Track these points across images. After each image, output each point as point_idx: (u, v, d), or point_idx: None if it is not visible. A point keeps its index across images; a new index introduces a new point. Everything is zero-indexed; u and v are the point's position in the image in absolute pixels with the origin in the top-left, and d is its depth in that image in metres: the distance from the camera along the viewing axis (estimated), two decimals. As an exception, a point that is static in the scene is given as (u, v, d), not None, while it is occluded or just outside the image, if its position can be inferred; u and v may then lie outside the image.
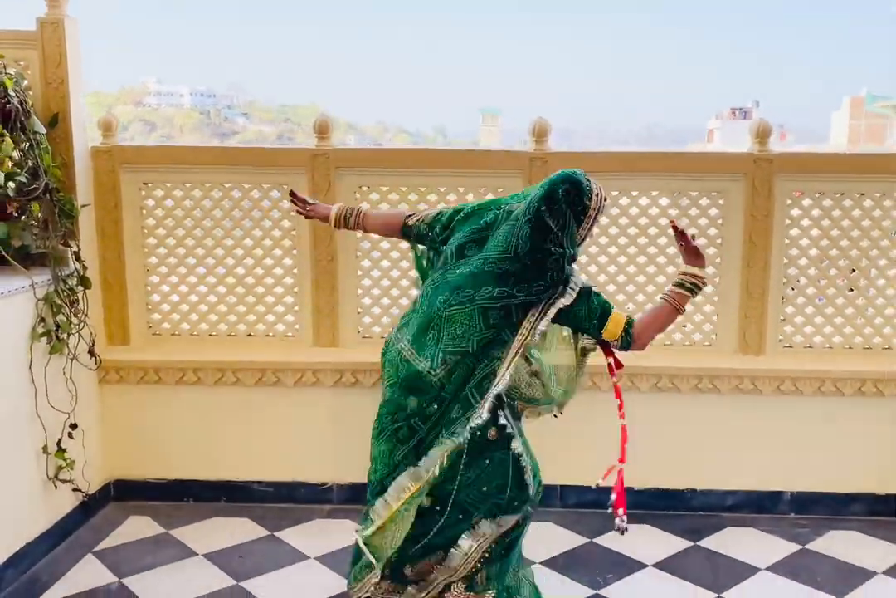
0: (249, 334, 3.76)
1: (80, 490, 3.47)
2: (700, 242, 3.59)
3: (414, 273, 3.60)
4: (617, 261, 3.63)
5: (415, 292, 3.68)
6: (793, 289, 3.64)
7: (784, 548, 3.37)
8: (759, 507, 3.64)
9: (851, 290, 3.64)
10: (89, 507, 3.58)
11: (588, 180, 2.43)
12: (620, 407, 2.66)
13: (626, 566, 3.23)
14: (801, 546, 3.39)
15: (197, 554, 3.31)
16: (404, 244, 3.64)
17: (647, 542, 3.42)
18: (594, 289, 2.57)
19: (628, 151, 3.73)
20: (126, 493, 3.76)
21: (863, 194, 3.56)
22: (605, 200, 2.48)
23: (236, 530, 3.52)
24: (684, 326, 3.67)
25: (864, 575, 3.16)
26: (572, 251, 2.46)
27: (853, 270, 3.63)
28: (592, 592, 3.05)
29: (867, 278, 3.62)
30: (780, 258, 3.58)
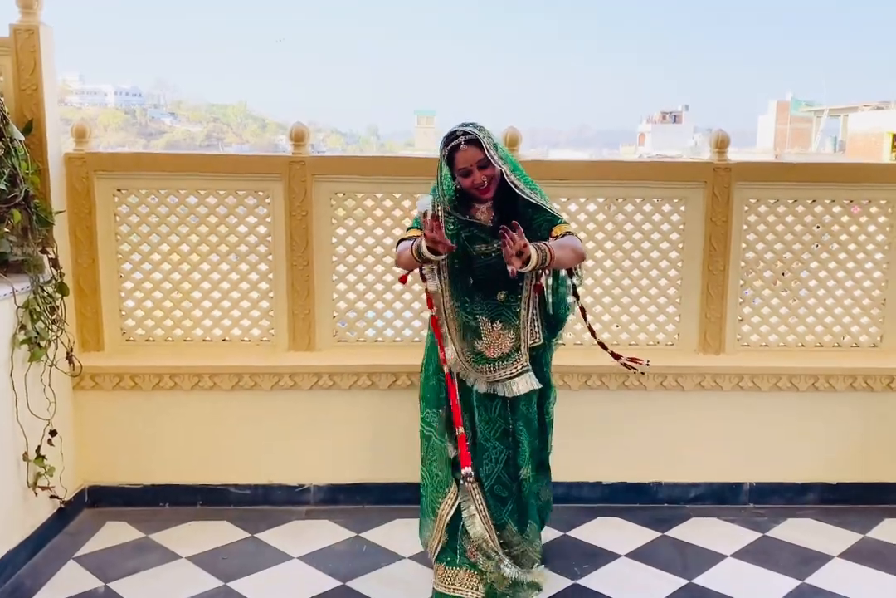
0: (225, 339, 3.80)
1: (57, 497, 3.47)
2: (663, 246, 3.77)
3: (390, 277, 3.72)
4: (584, 265, 3.76)
5: (390, 296, 3.79)
6: (749, 291, 3.84)
7: (746, 536, 3.55)
8: (720, 498, 3.83)
9: (799, 291, 3.85)
10: (66, 514, 3.57)
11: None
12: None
13: (600, 556, 3.37)
14: (761, 534, 3.57)
15: (180, 557, 3.34)
16: (379, 249, 3.74)
17: (617, 534, 3.57)
18: None
19: (591, 159, 3.89)
20: (101, 499, 3.76)
21: (814, 201, 3.77)
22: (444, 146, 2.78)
23: (216, 532, 3.55)
24: (649, 326, 3.83)
25: (821, 559, 3.35)
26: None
27: (801, 272, 3.84)
28: (571, 582, 3.17)
29: (818, 280, 3.83)
30: (738, 262, 3.77)
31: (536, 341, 2.93)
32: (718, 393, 3.74)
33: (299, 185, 3.63)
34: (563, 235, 2.81)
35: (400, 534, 3.55)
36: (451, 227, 2.86)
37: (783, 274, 3.83)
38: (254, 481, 3.78)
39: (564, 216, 3.17)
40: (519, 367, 2.88)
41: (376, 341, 3.83)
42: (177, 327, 3.79)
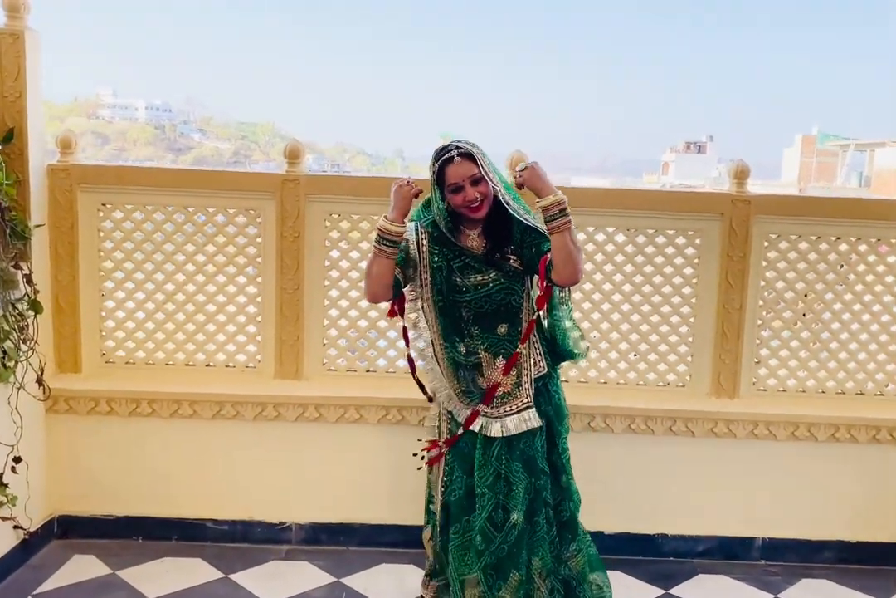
0: (208, 365, 3.59)
1: (21, 527, 3.27)
2: (676, 280, 3.54)
3: (384, 304, 3.49)
4: (591, 298, 3.55)
5: (384, 324, 3.57)
6: (767, 331, 3.60)
7: (757, 597, 3.29)
8: (730, 554, 3.56)
9: (821, 333, 3.60)
10: (31, 545, 3.37)
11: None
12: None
13: (597, 615, 3.11)
14: (773, 596, 3.31)
15: (146, 598, 3.12)
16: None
17: (618, 588, 3.27)
18: None
19: (604, 187, 3.66)
20: (71, 530, 3.55)
21: (839, 238, 3.53)
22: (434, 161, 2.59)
23: (188, 571, 3.33)
24: (658, 366, 3.60)
25: (838, 628, 3.09)
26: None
27: (823, 313, 3.59)
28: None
29: (841, 322, 3.58)
30: (756, 300, 3.53)
31: (541, 370, 2.70)
32: (731, 441, 3.49)
33: (292, 204, 3.44)
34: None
35: (383, 582, 3.31)
36: (437, 259, 2.66)
37: (804, 315, 3.59)
38: (233, 517, 3.56)
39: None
40: (520, 403, 2.66)
41: (368, 371, 3.61)
42: (158, 350, 3.59)
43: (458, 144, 2.56)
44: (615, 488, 3.51)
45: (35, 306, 3.20)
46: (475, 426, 2.69)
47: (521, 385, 2.67)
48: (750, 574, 3.47)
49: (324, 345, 3.59)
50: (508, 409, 2.66)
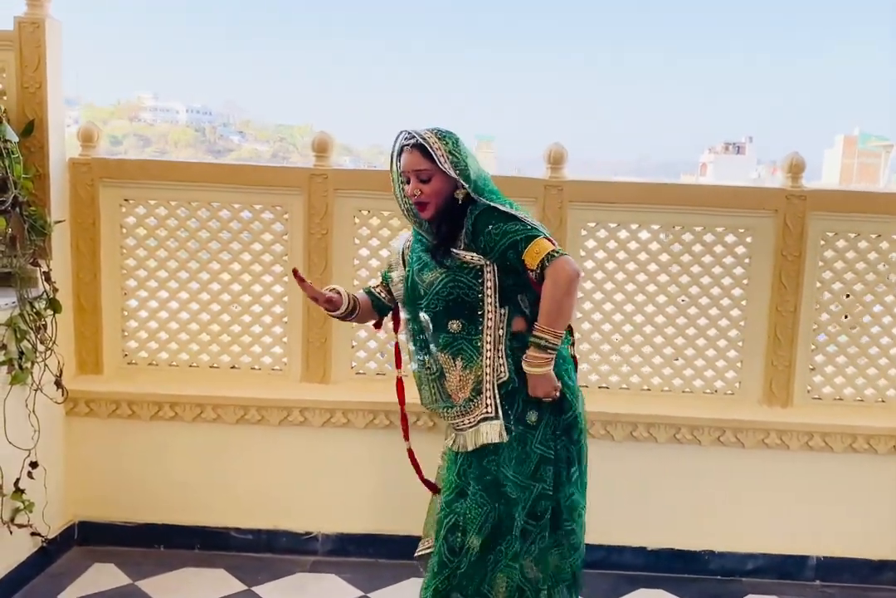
0: (233, 367, 3.46)
1: (39, 535, 3.15)
2: (725, 281, 3.34)
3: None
4: (634, 299, 3.36)
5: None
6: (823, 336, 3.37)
7: (811, 621, 3.08)
8: (782, 572, 3.34)
9: (880, 338, 3.36)
10: (50, 553, 3.25)
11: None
12: None
13: (640, 637, 2.93)
14: (829, 619, 3.09)
15: (164, 611, 2.99)
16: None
17: (661, 610, 3.12)
18: None
19: (646, 181, 3.46)
20: (91, 537, 3.42)
21: (901, 236, 3.30)
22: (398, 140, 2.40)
23: (210, 582, 3.19)
24: (706, 372, 3.39)
25: (901, 656, 2.86)
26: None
27: (883, 317, 3.36)
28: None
29: (903, 326, 3.35)
30: (812, 303, 3.31)
31: (502, 376, 2.37)
32: (784, 452, 3.27)
33: (320, 200, 3.29)
34: (540, 267, 2.24)
35: (413, 597, 3.14)
36: (412, 263, 2.50)
37: (863, 318, 3.36)
38: (257, 526, 3.42)
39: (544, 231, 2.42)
40: (478, 414, 2.38)
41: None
42: (182, 352, 3.46)
43: (411, 133, 2.35)
44: (659, 502, 3.31)
45: (54, 305, 3.09)
46: (448, 441, 2.51)
47: (481, 392, 2.39)
48: (804, 595, 3.25)
49: (353, 347, 3.43)
50: (467, 421, 2.41)
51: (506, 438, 2.36)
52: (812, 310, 3.32)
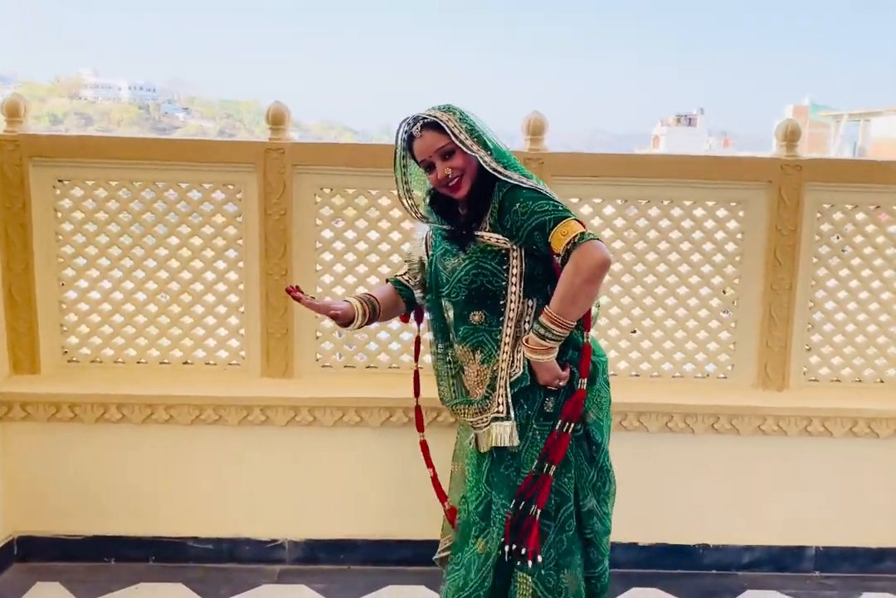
0: (186, 362, 3.16)
1: (-28, 554, 2.84)
2: (717, 258, 3.12)
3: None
4: (621, 280, 3.12)
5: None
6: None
7: (814, 617, 2.91)
8: (780, 565, 3.17)
9: (880, 316, 3.18)
10: (-14, 572, 2.95)
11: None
12: None
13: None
14: (833, 614, 2.93)
15: (117, 636, 2.71)
16: (373, 257, 3.11)
17: (657, 610, 2.92)
18: None
19: (633, 153, 3.21)
20: (33, 552, 3.12)
21: (901, 207, 3.11)
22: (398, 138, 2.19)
23: (167, 599, 2.92)
24: (697, 355, 3.18)
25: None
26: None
27: (882, 293, 3.18)
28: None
29: (903, 303, 3.17)
30: (808, 280, 3.11)
31: (516, 372, 2.14)
32: (781, 439, 3.08)
33: (277, 177, 2.99)
34: (568, 249, 1.99)
35: (390, 606, 2.91)
36: (432, 252, 2.31)
37: (861, 295, 3.17)
38: (217, 534, 3.14)
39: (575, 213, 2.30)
40: (490, 414, 2.17)
41: (368, 367, 3.18)
42: (128, 347, 3.15)
43: (421, 115, 2.13)
44: (651, 494, 3.10)
45: (-20, 300, 2.75)
46: (470, 439, 2.27)
47: (495, 389, 2.17)
48: (803, 588, 3.09)
49: (317, 338, 3.15)
50: (482, 420, 2.19)
51: (517, 441, 2.14)
52: (808, 287, 3.12)
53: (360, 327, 2.33)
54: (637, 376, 3.17)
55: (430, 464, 2.49)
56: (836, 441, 3.09)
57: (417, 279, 2.38)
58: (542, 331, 2.06)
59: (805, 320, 3.14)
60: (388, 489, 3.08)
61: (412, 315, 2.47)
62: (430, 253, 2.31)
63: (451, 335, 2.27)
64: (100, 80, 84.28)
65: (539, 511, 2.13)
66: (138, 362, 3.16)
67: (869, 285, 3.15)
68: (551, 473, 2.14)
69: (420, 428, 2.51)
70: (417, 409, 2.52)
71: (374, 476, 3.09)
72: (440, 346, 2.32)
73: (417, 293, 2.39)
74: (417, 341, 2.49)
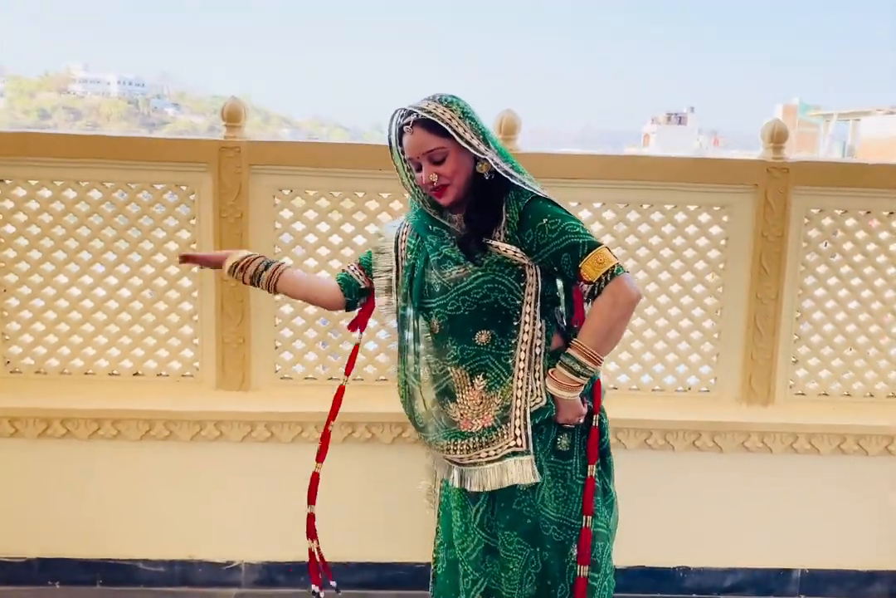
0: (136, 374, 2.98)
1: None
2: (699, 266, 2.96)
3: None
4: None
5: (344, 323, 2.96)
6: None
7: (799, 646, 2.75)
8: (764, 588, 3.02)
9: (869, 326, 3.02)
10: (-82, 598, 2.76)
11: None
12: None
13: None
14: (819, 642, 2.77)
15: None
16: (337, 263, 2.93)
17: (633, 639, 2.76)
18: None
19: (611, 154, 3.03)
20: (-29, 575, 2.94)
21: (892, 213, 2.95)
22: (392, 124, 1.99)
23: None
24: (678, 367, 3.02)
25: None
26: None
27: (872, 303, 3.02)
28: None
29: (894, 313, 3.01)
30: (795, 288, 2.95)
31: (538, 402, 1.97)
32: (766, 456, 2.93)
33: (232, 177, 2.81)
34: (604, 279, 1.85)
35: (351, 634, 2.74)
36: (412, 255, 2.08)
37: (850, 305, 3.01)
38: (169, 556, 2.97)
39: (599, 237, 2.28)
40: (504, 446, 1.96)
41: (330, 379, 3.00)
42: (75, 357, 2.97)
43: (416, 108, 1.92)
44: (628, 515, 2.89)
45: None
46: (452, 478, 2.05)
47: (509, 420, 1.97)
48: (788, 614, 2.93)
49: (276, 348, 2.98)
50: (489, 454, 1.98)
51: (538, 477, 1.95)
52: (795, 296, 2.96)
53: (256, 275, 2.15)
54: (615, 389, 3.01)
55: (312, 500, 2.32)
56: (823, 459, 2.93)
57: (382, 283, 2.16)
58: (577, 367, 1.90)
59: (791, 331, 2.99)
60: (350, 509, 2.91)
61: (357, 326, 2.28)
62: (408, 256, 2.10)
63: (427, 355, 2.05)
64: (89, 75, 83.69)
65: (584, 568, 1.99)
66: (86, 374, 2.97)
67: (859, 295, 3.00)
68: (590, 525, 1.99)
69: (321, 458, 2.30)
70: (326, 435, 2.30)
71: (334, 494, 2.90)
72: (411, 364, 2.11)
73: (381, 300, 2.18)
74: (355, 352, 2.29)
